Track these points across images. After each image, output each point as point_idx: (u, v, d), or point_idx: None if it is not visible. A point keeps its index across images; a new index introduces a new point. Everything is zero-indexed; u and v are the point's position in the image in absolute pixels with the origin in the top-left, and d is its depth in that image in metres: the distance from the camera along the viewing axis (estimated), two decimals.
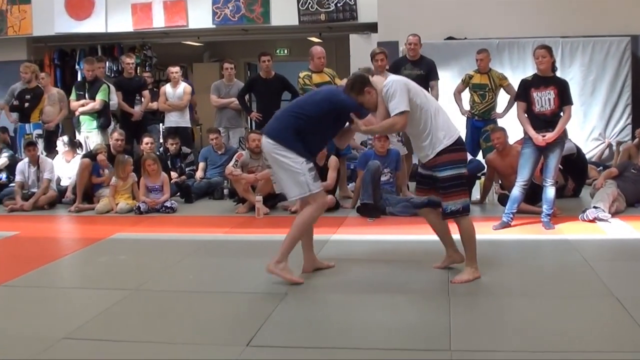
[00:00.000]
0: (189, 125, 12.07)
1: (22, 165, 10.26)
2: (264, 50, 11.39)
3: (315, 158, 5.90)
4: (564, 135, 7.83)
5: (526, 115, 7.67)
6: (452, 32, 12.26)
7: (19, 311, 5.23)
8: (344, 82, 9.85)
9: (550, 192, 7.67)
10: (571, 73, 11.56)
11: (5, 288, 5.81)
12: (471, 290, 5.49)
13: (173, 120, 11.68)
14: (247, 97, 11.54)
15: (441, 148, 5.47)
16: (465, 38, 12.17)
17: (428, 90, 10.16)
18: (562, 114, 7.60)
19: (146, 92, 11.77)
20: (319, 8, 13.18)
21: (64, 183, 10.46)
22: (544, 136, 7.49)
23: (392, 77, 5.64)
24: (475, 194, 9.45)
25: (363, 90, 5.54)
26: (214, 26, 13.80)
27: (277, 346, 4.35)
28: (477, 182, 9.52)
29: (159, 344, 4.43)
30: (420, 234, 7.26)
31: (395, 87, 5.43)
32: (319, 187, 5.58)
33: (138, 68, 14.21)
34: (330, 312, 5.02)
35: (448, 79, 11.19)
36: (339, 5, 13.12)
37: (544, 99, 7.56)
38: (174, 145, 10.87)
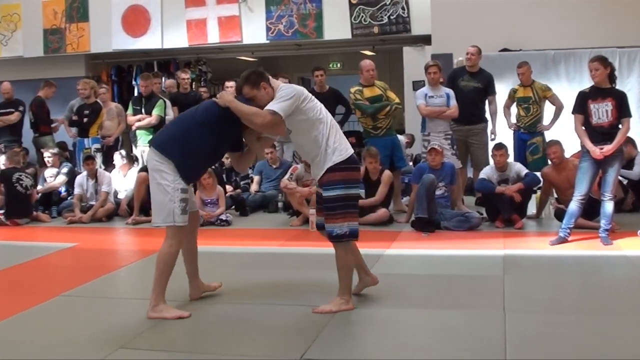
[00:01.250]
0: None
1: (81, 178, 10.47)
2: (317, 64, 11.43)
3: (195, 181, 5.65)
4: (623, 148, 7.71)
5: (584, 128, 7.55)
6: (506, 43, 12.15)
7: (77, 320, 5.31)
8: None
9: (608, 206, 7.54)
10: (629, 84, 11.34)
11: (65, 297, 5.92)
12: (527, 305, 5.43)
13: None
14: None
15: (329, 165, 5.11)
16: (520, 49, 12.05)
17: (484, 103, 10.17)
18: (620, 126, 7.47)
19: None
20: (372, 21, 13.18)
21: (121, 196, 10.62)
22: (601, 149, 7.36)
23: (291, 85, 5.42)
24: (531, 208, 9.35)
25: (259, 84, 5.22)
26: (268, 41, 13.91)
27: None
28: (533, 196, 9.40)
29: (211, 355, 4.46)
30: (475, 249, 7.20)
31: (287, 91, 5.13)
32: (183, 221, 5.19)
33: (193, 83, 14.36)
34: (383, 327, 4.98)
35: (503, 91, 11.02)
36: (392, 18, 13.11)
37: (601, 111, 7.44)
38: (229, 159, 10.94)
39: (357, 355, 4.42)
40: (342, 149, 5.15)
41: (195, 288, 5.73)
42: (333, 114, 10.72)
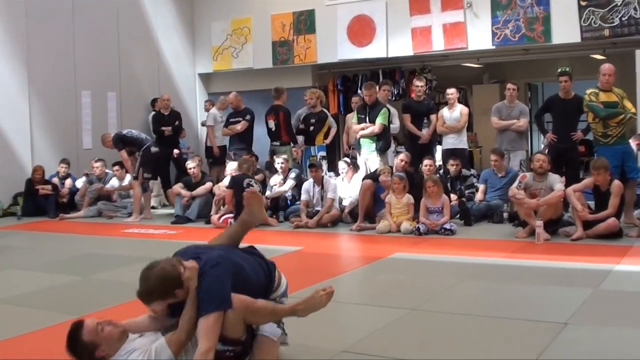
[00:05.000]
0: (466, 147, 12.03)
1: (307, 185, 10.79)
2: (545, 69, 11.10)
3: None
4: None
5: None
6: None
7: (302, 323, 5.41)
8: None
9: None
10: None
11: (290, 299, 6.07)
12: None
13: (450, 142, 11.70)
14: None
15: None
16: None
17: None
18: None
19: (433, 116, 11.86)
20: (602, 23, 12.57)
21: (345, 203, 10.83)
22: None
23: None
24: None
25: (173, 293, 4.00)
26: (494, 47, 13.65)
27: None
28: None
29: None
30: None
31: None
32: None
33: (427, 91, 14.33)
34: (611, 347, 4.70)
35: None
36: (623, 19, 12.40)
37: None
38: (455, 167, 10.88)
39: None
40: None
41: None
42: (576, 121, 10.38)
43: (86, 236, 10.62)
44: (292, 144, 12.61)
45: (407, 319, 5.46)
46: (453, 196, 10.49)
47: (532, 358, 4.38)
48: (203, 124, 15.49)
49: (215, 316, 3.93)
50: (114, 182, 12.72)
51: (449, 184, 10.74)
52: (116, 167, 12.60)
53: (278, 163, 11.51)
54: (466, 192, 10.80)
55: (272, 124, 12.60)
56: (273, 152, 12.60)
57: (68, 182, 13.09)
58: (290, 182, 11.36)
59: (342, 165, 11.27)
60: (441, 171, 11.25)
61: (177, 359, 4.00)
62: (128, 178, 12.48)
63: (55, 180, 12.99)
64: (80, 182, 13.09)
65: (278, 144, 12.62)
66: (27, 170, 12.94)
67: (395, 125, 11.74)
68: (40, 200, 12.62)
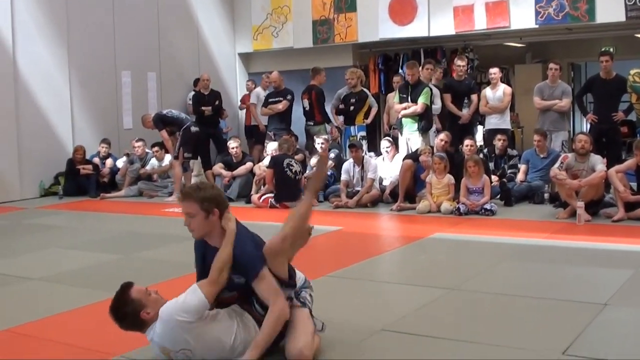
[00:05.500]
0: (509, 127, 11.94)
1: (348, 164, 10.77)
2: (588, 49, 10.93)
3: None
4: None
5: None
6: None
7: (342, 301, 5.47)
8: None
9: None
10: None
11: (330, 278, 6.12)
12: None
13: (493, 122, 11.61)
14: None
15: None
16: None
17: None
18: None
19: (474, 96, 11.79)
20: None
21: (386, 183, 10.80)
22: None
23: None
24: None
25: (211, 209, 4.16)
26: (537, 26, 13.45)
27: (595, 358, 4.10)
28: None
29: (470, 344, 4.41)
30: None
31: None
32: None
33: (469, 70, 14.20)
34: None
35: None
36: None
37: None
38: (502, 142, 10.78)
39: (622, 356, 4.17)
40: None
41: None
42: (617, 102, 10.29)
43: (127, 215, 10.72)
44: (326, 124, 12.64)
45: (446, 298, 5.45)
46: (494, 177, 10.41)
47: (572, 338, 4.35)
48: (241, 109, 15.63)
49: (267, 273, 4.08)
50: (153, 162, 12.82)
51: (492, 163, 10.67)
52: (156, 148, 12.69)
53: (318, 143, 11.49)
54: (508, 172, 10.71)
55: (306, 103, 12.70)
56: (307, 132, 12.66)
57: (109, 162, 13.22)
58: (328, 162, 11.34)
59: (385, 143, 11.24)
60: (485, 151, 11.15)
61: (210, 303, 4.03)
62: (167, 159, 12.57)
63: (96, 160, 13.13)
64: (120, 162, 13.21)
65: (312, 123, 12.68)
66: (68, 150, 13.08)
67: (437, 106, 11.66)
68: (82, 180, 12.76)
